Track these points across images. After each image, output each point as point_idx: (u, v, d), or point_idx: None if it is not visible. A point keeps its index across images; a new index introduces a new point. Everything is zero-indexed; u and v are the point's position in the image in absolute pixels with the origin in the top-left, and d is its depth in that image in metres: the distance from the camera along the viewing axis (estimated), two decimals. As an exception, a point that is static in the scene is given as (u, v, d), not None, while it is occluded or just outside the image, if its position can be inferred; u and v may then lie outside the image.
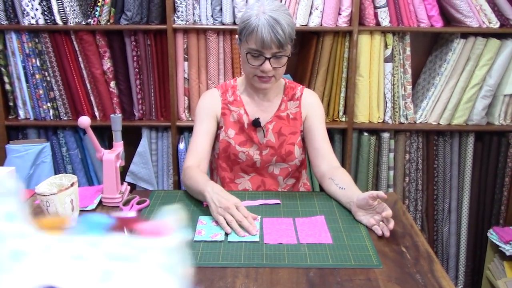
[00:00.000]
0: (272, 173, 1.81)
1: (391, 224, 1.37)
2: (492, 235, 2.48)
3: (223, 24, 2.42)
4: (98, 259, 0.53)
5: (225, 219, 1.41)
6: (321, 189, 1.73)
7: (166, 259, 0.54)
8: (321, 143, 1.76)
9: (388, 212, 1.37)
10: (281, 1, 2.37)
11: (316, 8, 2.38)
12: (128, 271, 0.52)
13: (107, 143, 2.67)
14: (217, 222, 1.44)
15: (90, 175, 2.66)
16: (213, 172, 1.93)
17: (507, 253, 2.36)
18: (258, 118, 1.76)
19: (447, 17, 2.50)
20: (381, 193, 1.40)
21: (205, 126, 1.77)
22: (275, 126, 1.78)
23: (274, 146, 1.78)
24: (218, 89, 1.83)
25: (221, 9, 2.40)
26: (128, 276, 0.52)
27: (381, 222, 1.41)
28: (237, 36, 1.67)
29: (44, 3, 2.37)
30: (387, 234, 1.38)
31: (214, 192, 1.47)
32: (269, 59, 1.61)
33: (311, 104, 1.81)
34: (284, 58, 1.64)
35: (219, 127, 1.80)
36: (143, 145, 2.58)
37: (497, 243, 2.42)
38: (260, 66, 1.63)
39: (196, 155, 1.72)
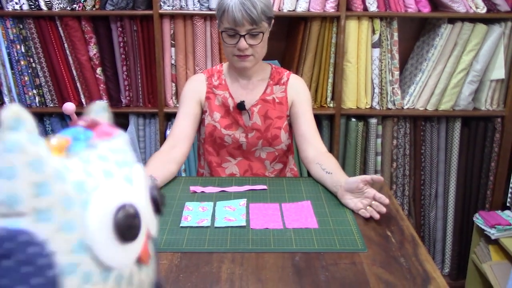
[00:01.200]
0: (259, 157, 1.82)
1: (383, 209, 1.39)
2: (478, 219, 2.51)
3: (210, 10, 2.40)
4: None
5: None
6: (309, 174, 1.73)
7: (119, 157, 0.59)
8: (308, 129, 1.76)
9: (386, 200, 1.39)
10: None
11: (304, -7, 2.37)
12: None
13: (94, 130, 2.66)
14: (203, 208, 1.45)
15: (77, 162, 2.64)
16: (200, 158, 1.93)
17: (492, 237, 2.39)
18: (243, 101, 1.77)
19: (435, 2, 2.50)
20: (375, 176, 1.43)
21: (186, 109, 1.78)
22: (260, 109, 1.79)
23: (260, 129, 1.78)
24: (204, 74, 1.83)
25: (208, -6, 2.39)
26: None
27: (368, 207, 1.41)
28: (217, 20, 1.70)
29: (28, -12, 2.34)
30: (377, 216, 1.38)
31: None
32: (243, 36, 1.63)
33: (297, 89, 1.82)
34: (260, 35, 1.65)
35: (203, 112, 1.81)
36: (131, 132, 2.57)
37: (483, 227, 2.45)
38: (236, 44, 1.65)
39: (173, 138, 1.73)
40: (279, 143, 1.80)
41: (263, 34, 1.66)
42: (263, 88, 1.80)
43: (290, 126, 1.85)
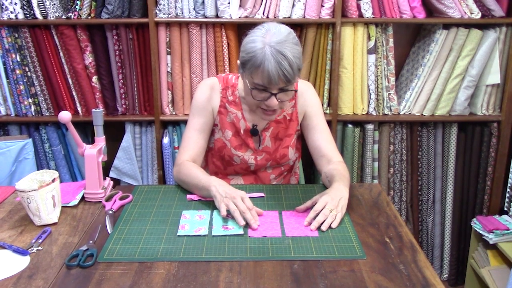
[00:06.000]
0: (264, 172, 1.81)
1: (320, 217, 1.40)
2: (476, 224, 2.50)
3: (206, 17, 2.40)
4: None
5: (228, 208, 1.41)
6: (307, 181, 1.73)
7: None
8: (322, 142, 1.73)
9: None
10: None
11: (299, 0, 2.37)
12: None
13: (91, 139, 2.65)
14: (200, 217, 1.44)
15: (73, 171, 2.63)
16: (204, 167, 1.91)
17: (491, 242, 2.38)
18: (256, 126, 1.73)
19: (430, 8, 2.51)
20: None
21: (201, 121, 1.73)
22: (272, 131, 1.76)
23: (269, 151, 1.76)
24: (220, 83, 1.75)
25: (203, 2, 2.38)
26: None
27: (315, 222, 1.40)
28: (238, 61, 1.58)
29: (23, -3, 2.34)
30: (323, 228, 1.38)
31: (220, 186, 1.48)
32: (275, 94, 1.53)
33: (306, 101, 1.77)
34: (291, 92, 1.56)
35: (214, 124, 1.77)
36: (127, 140, 2.56)
37: (481, 232, 2.45)
38: (266, 101, 1.54)
39: (191, 152, 1.69)
40: (286, 161, 1.79)
41: (295, 92, 1.56)
42: None
43: (298, 138, 1.83)
